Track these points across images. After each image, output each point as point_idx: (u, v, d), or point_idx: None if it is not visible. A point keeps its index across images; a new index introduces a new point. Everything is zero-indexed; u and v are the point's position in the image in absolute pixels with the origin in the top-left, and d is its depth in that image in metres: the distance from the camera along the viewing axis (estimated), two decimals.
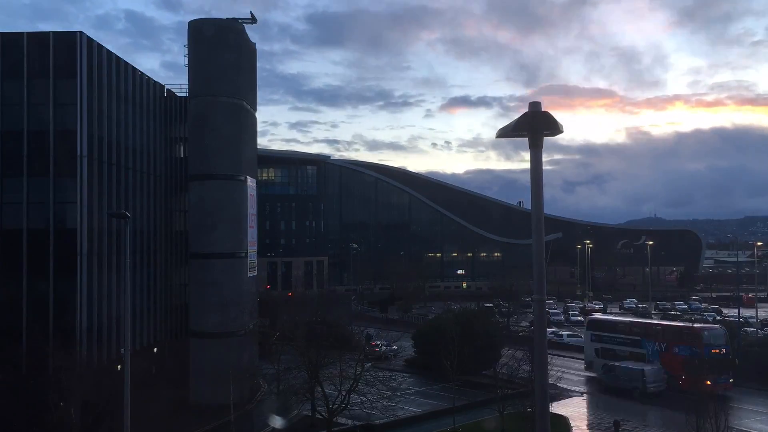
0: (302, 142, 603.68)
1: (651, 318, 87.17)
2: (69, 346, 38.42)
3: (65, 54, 44.20)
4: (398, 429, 45.74)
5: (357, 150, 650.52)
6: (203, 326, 52.58)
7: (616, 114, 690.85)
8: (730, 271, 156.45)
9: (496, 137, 9.21)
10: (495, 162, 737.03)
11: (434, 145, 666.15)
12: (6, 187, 44.69)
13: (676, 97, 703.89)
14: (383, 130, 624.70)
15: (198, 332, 52.94)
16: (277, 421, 45.92)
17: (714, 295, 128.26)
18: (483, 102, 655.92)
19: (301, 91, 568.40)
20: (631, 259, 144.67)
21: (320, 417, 41.89)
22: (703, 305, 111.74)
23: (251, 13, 57.92)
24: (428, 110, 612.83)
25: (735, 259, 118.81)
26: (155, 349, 55.46)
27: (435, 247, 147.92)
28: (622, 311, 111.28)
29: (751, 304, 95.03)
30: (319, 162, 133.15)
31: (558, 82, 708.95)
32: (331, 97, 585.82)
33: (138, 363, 40.26)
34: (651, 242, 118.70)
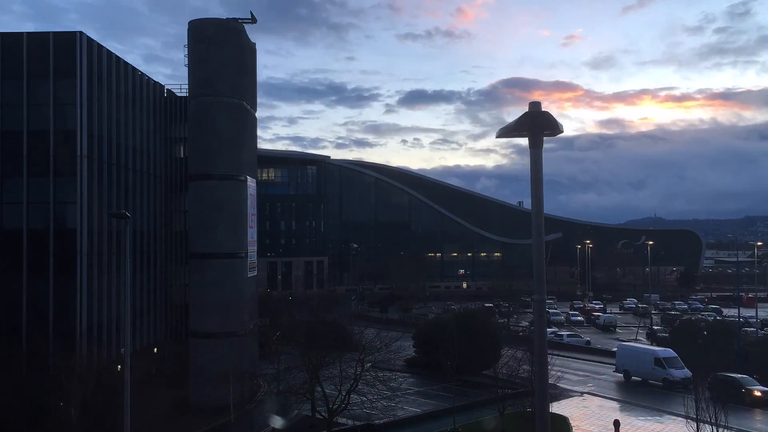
0: (266, 139, 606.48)
1: (651, 318, 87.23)
2: (69, 346, 38.48)
3: (65, 54, 44.24)
4: (398, 429, 45.70)
5: (325, 147, 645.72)
6: (203, 326, 52.57)
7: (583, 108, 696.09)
8: (730, 271, 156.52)
9: (497, 137, 9.21)
10: (462, 157, 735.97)
11: (404, 141, 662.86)
12: (6, 187, 44.72)
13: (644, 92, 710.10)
14: (345, 125, 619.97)
15: (198, 332, 52.92)
16: (277, 421, 45.91)
17: (714, 295, 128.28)
18: (441, 96, 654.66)
19: None
20: (631, 259, 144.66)
21: (320, 417, 41.86)
22: (703, 305, 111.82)
23: (251, 13, 57.99)
24: (388, 104, 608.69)
25: (735, 259, 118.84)
26: (155, 349, 55.50)
27: (435, 247, 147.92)
28: (622, 311, 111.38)
29: (751, 304, 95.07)
30: (319, 162, 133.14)
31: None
32: (277, 90, 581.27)
33: (138, 363, 40.32)
34: (651, 242, 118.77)
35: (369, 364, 44.05)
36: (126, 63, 51.19)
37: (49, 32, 45.04)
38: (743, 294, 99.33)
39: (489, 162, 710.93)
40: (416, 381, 60.01)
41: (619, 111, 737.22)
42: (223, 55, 53.74)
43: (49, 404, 33.95)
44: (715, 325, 73.00)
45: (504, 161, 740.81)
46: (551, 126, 8.66)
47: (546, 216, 10.23)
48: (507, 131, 8.93)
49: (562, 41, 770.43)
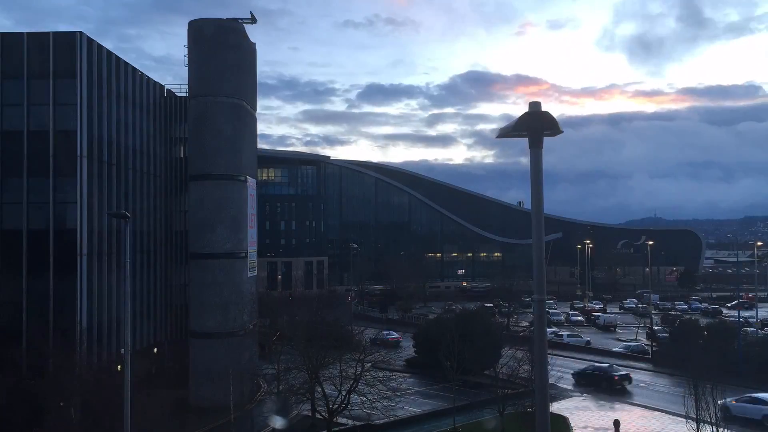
0: None
1: (651, 318, 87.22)
2: (69, 346, 38.43)
3: (65, 54, 44.23)
4: (398, 429, 45.70)
5: (293, 145, 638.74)
6: (203, 326, 52.58)
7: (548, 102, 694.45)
8: (730, 271, 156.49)
9: (496, 137, 9.22)
10: (436, 152, 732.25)
11: (376, 138, 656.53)
12: (6, 187, 44.70)
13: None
14: (309, 122, 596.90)
15: (198, 332, 52.94)
16: (277, 421, 45.91)
17: (714, 295, 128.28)
18: (401, 91, 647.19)
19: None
20: (631, 259, 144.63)
21: (320, 417, 41.88)
22: (704, 305, 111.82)
23: (251, 13, 58.01)
24: (348, 99, 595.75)
25: (735, 259, 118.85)
26: (155, 350, 55.50)
27: (435, 247, 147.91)
28: (622, 311, 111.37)
29: (751, 302, 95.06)
30: (319, 162, 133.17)
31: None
32: None
33: (138, 363, 40.30)
34: (651, 242, 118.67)
35: (369, 364, 44.06)
36: (126, 63, 51.19)
37: (48, 32, 45.01)
38: (743, 294, 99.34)
39: (458, 157, 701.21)
40: (416, 381, 60.00)
41: (589, 105, 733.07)
42: (222, 55, 53.75)
43: (49, 404, 33.94)
44: (715, 325, 73.07)
45: (472, 154, 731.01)
46: (551, 126, 8.67)
47: (546, 216, 10.22)
48: (507, 131, 8.94)
49: (517, 30, 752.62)
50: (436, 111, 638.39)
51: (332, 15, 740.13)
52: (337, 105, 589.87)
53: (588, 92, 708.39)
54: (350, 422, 44.40)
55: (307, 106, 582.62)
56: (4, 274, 43.50)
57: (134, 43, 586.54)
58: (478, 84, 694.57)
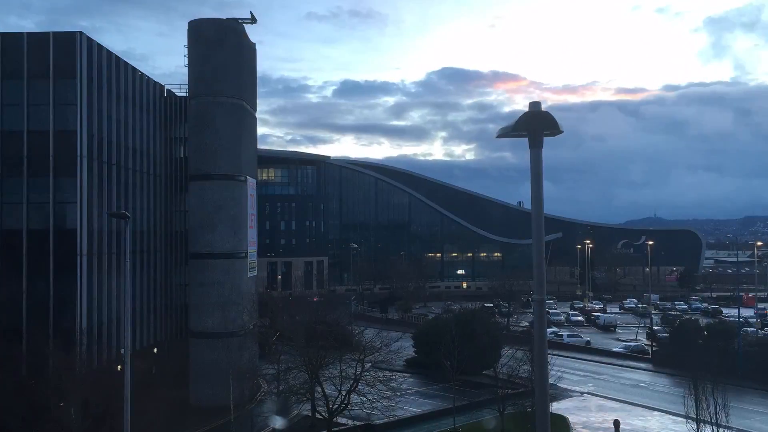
0: None
1: (651, 318, 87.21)
2: (69, 346, 38.41)
3: (65, 54, 44.21)
4: (398, 429, 45.72)
5: (273, 143, 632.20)
6: (203, 326, 52.57)
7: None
8: (730, 271, 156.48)
9: (496, 137, 9.22)
10: (416, 148, 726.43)
11: (359, 136, 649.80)
12: (6, 187, 44.69)
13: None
14: (287, 120, 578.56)
15: (198, 332, 52.93)
16: (277, 421, 45.91)
17: (714, 295, 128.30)
18: (376, 87, 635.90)
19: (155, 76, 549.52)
20: (631, 259, 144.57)
21: (320, 417, 41.88)
22: (704, 305, 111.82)
23: (251, 13, 58.01)
24: (325, 96, 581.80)
25: (735, 259, 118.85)
26: (155, 350, 55.45)
27: (435, 247, 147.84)
28: (622, 311, 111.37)
29: (751, 304, 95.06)
30: (319, 162, 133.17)
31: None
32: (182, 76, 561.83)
33: (138, 363, 40.27)
34: (651, 242, 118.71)
35: (369, 365, 44.04)
36: (126, 63, 51.17)
37: (48, 32, 45.02)
38: (743, 294, 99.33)
39: (437, 152, 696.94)
40: (416, 381, 60.03)
41: (570, 101, 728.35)
42: (222, 55, 53.74)
43: (49, 404, 33.92)
44: (715, 325, 73.09)
45: (451, 149, 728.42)
46: (551, 126, 8.67)
47: (546, 216, 10.23)
48: (507, 131, 8.94)
49: (490, 22, 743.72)
50: (413, 108, 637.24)
51: (294, 7, 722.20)
52: (313, 102, 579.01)
53: (569, 89, 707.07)
54: (350, 422, 44.41)
55: (281, 102, 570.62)
56: (4, 274, 43.47)
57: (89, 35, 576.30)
58: (456, 81, 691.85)
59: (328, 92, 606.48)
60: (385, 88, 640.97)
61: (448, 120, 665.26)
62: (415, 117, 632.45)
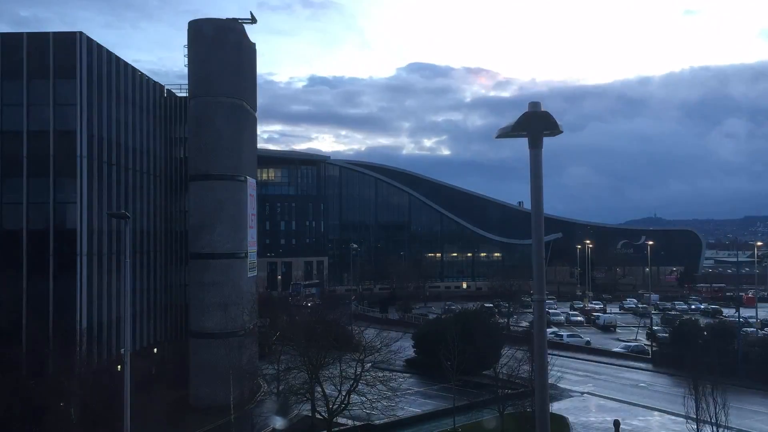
0: None
1: (651, 318, 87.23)
2: (69, 346, 38.41)
3: (65, 54, 44.20)
4: (398, 429, 45.73)
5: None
6: (203, 326, 52.58)
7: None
8: (730, 271, 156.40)
9: (496, 137, 9.21)
10: (393, 142, 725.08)
11: (339, 134, 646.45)
12: (6, 187, 44.68)
13: None
14: (262, 117, 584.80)
15: (198, 332, 52.93)
16: (277, 421, 45.91)
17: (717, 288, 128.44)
18: (346, 83, 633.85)
19: None
20: (631, 259, 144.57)
21: (320, 417, 41.86)
22: (704, 305, 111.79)
23: (251, 13, 58.04)
24: (295, 90, 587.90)
25: (735, 259, 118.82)
26: (155, 350, 55.43)
27: (435, 247, 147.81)
28: (622, 311, 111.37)
29: (751, 304, 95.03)
30: (319, 162, 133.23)
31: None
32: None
33: (138, 363, 40.24)
34: (651, 242, 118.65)
35: (369, 365, 44.04)
36: (126, 63, 51.17)
37: (48, 32, 45.01)
38: (743, 294, 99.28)
39: (408, 147, 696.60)
40: (416, 381, 60.03)
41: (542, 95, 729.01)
42: (222, 55, 53.75)
43: (48, 404, 33.92)
44: (715, 325, 73.05)
45: (425, 143, 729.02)
46: (551, 126, 8.66)
47: (546, 216, 10.24)
48: (507, 131, 8.93)
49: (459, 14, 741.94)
50: (386, 102, 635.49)
51: None
52: (286, 97, 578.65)
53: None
54: (350, 422, 44.39)
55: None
56: (4, 274, 43.45)
57: (32, 27, 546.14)
58: (429, 76, 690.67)
59: (298, 88, 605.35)
60: (353, 83, 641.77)
61: (414, 112, 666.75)
62: (375, 108, 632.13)
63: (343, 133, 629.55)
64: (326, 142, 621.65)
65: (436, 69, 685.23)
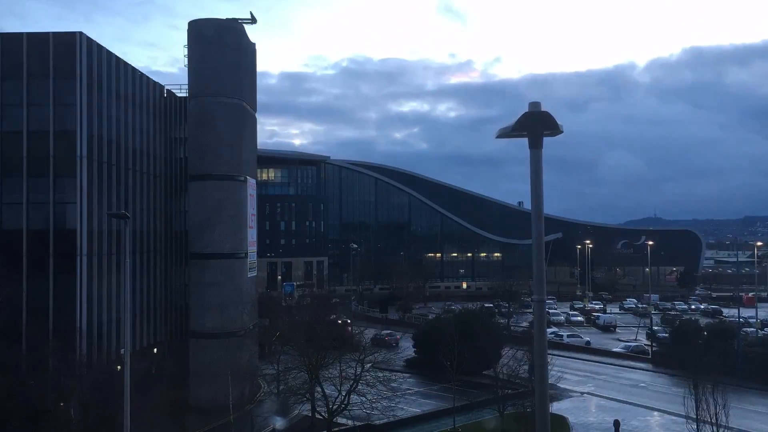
0: None
1: (651, 318, 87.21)
2: (68, 346, 38.41)
3: (65, 54, 44.18)
4: (398, 429, 45.72)
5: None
6: (203, 326, 52.57)
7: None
8: (730, 271, 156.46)
9: (496, 137, 9.20)
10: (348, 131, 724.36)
11: (317, 130, 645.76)
12: (6, 187, 44.67)
13: None
14: None
15: (198, 332, 52.93)
16: (277, 422, 45.91)
17: (714, 295, 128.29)
18: (316, 79, 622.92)
19: None
20: (631, 259, 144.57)
21: (320, 417, 41.88)
22: (704, 305, 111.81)
23: (251, 13, 58.02)
24: (267, 84, 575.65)
25: (735, 259, 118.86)
26: (155, 350, 55.41)
27: (435, 248, 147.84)
28: (622, 311, 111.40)
29: (751, 304, 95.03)
30: (319, 162, 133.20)
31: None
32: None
33: (138, 363, 40.22)
34: (651, 242, 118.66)
35: (369, 365, 44.04)
36: (126, 63, 51.15)
37: (48, 32, 44.97)
38: (743, 294, 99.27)
39: (381, 139, 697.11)
40: (416, 381, 60.01)
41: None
42: (222, 55, 53.75)
43: (48, 404, 33.91)
44: (714, 325, 73.05)
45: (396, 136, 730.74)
46: (551, 126, 8.66)
47: (546, 216, 10.24)
48: (507, 132, 8.93)
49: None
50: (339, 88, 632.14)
51: None
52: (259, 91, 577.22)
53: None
54: (350, 422, 44.38)
55: None
56: (4, 274, 43.42)
57: None
58: (395, 70, 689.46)
59: (270, 82, 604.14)
60: (309, 78, 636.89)
61: (374, 100, 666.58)
62: (355, 106, 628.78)
63: (307, 128, 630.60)
64: (297, 139, 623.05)
65: (405, 65, 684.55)
